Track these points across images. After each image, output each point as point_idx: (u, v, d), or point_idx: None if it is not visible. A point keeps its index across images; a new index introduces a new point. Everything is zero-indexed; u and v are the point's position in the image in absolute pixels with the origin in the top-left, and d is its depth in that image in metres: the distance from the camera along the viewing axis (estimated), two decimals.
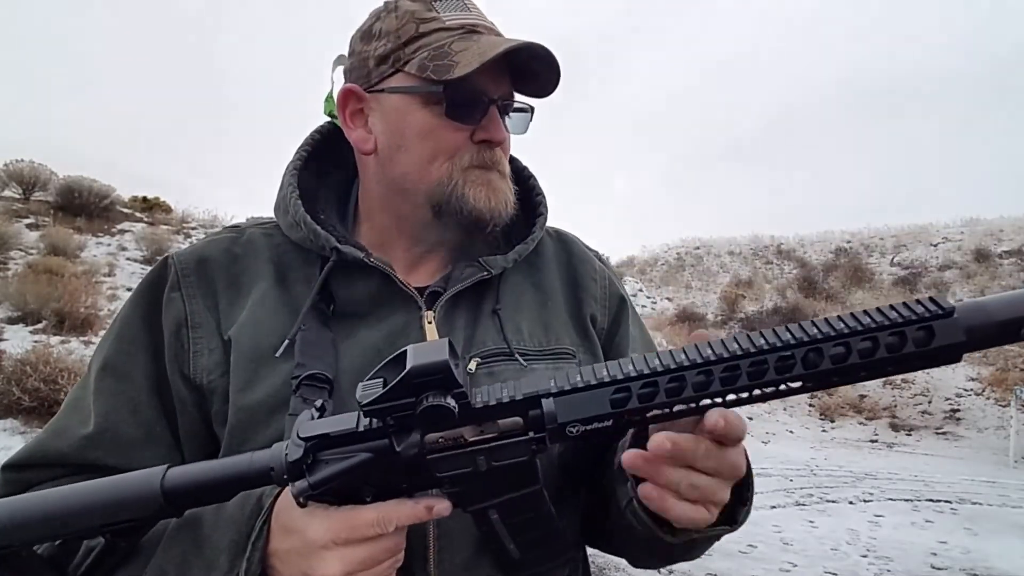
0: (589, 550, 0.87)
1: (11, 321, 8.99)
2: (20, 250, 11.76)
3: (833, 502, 6.81)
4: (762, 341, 0.54)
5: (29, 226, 13.08)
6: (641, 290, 22.67)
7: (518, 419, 0.58)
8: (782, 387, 0.55)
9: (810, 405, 13.05)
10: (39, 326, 8.89)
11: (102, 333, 0.79)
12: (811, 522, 5.96)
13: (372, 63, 0.80)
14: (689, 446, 0.57)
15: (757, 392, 0.55)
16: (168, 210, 16.93)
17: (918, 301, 0.54)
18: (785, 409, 12.80)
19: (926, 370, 0.60)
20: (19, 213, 13.63)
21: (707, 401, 0.55)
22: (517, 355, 0.79)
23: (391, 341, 0.77)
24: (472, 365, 0.77)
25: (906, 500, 6.77)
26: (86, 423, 0.76)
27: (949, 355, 0.53)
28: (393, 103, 0.80)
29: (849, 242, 26.13)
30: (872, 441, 11.71)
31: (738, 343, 0.55)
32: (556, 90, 0.81)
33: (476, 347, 0.79)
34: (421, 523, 0.62)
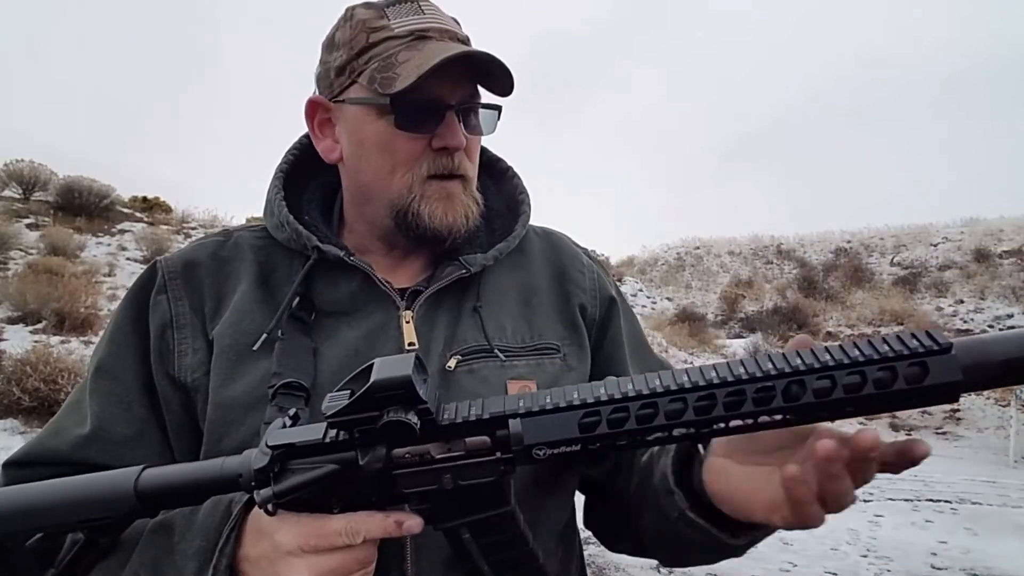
0: (587, 551, 0.87)
1: (11, 321, 8.99)
2: (20, 250, 11.77)
3: None
4: (741, 370, 0.52)
5: (29, 226, 13.09)
6: (641, 290, 22.62)
7: (486, 438, 0.56)
8: (762, 419, 0.52)
9: None
10: (39, 326, 8.90)
11: (102, 333, 0.81)
12: None
13: (333, 74, 0.81)
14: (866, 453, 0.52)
15: (735, 423, 0.52)
16: (168, 210, 16.94)
17: (913, 335, 0.51)
18: None
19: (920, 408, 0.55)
20: (19, 213, 13.63)
21: (681, 431, 0.53)
22: (497, 351, 0.79)
23: (370, 341, 0.78)
24: (452, 363, 0.77)
25: (906, 500, 6.76)
26: (83, 423, 0.78)
27: (944, 394, 0.50)
28: (353, 114, 0.80)
29: (849, 242, 26.08)
30: None
31: (716, 371, 0.53)
32: (514, 89, 0.79)
33: (457, 344, 0.79)
34: (398, 538, 0.61)
